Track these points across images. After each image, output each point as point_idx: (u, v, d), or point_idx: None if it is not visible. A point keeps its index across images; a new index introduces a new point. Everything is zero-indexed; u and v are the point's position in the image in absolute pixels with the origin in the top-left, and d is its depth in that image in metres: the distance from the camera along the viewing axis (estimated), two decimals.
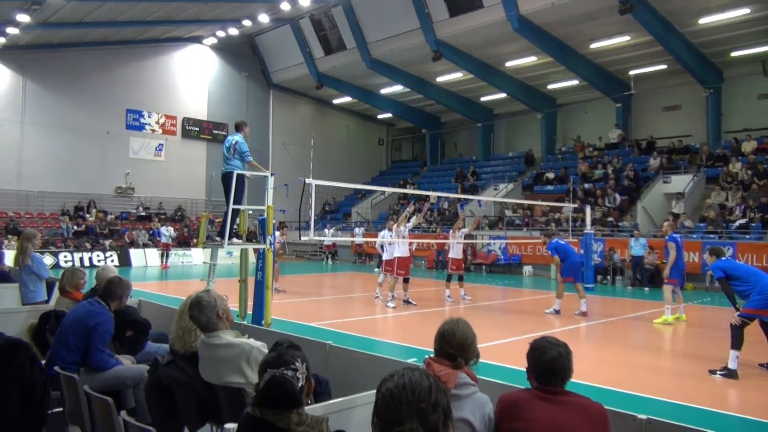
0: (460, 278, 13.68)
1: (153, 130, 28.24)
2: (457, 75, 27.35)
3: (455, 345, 2.72)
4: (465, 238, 14.47)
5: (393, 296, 12.31)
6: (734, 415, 5.62)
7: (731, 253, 16.26)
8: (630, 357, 8.19)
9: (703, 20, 20.24)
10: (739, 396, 6.36)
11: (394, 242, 12.67)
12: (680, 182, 21.49)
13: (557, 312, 11.69)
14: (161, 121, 28.48)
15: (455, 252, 13.51)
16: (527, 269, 21.28)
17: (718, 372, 6.90)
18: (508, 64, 25.83)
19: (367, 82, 30.38)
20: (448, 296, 13.28)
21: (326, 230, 26.11)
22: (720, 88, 24.34)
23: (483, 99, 30.72)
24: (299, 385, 1.92)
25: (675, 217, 19.45)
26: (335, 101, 34.12)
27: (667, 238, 11.31)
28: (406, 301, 12.58)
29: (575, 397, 2.54)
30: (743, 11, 19.36)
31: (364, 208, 31.15)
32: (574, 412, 2.47)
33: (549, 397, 2.52)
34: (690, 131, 25.02)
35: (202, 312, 3.38)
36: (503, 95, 28.66)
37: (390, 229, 13.18)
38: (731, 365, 6.84)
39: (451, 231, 14.08)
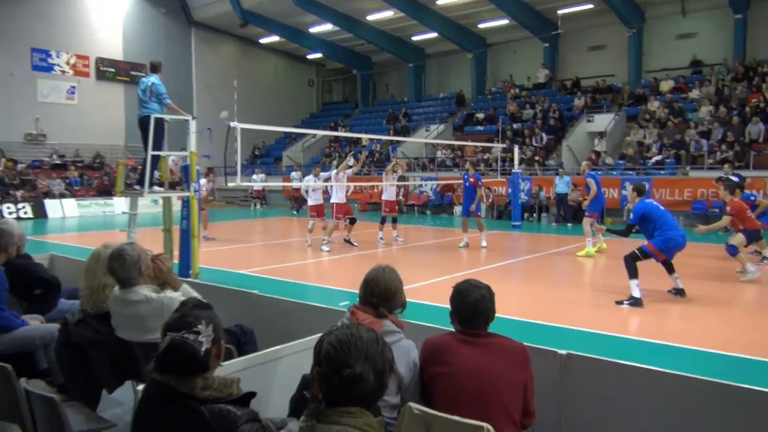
0: (394, 220, 13.79)
1: (63, 72, 26.19)
2: (388, 13, 26.67)
3: (379, 294, 2.69)
4: (398, 180, 14.53)
5: (345, 240, 12.70)
6: (642, 340, 5.99)
7: (647, 188, 17.15)
8: (553, 291, 8.56)
9: None
10: (642, 321, 6.79)
11: (319, 188, 12.86)
12: (603, 121, 22.19)
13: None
14: (72, 61, 26.41)
15: (388, 194, 13.55)
16: (458, 209, 21.66)
17: (624, 302, 7.33)
18: (439, 1, 25.38)
19: (295, 20, 29.16)
20: (381, 238, 13.37)
21: (255, 175, 25.45)
22: (642, 28, 24.96)
23: (414, 38, 30.25)
24: (202, 349, 1.80)
25: (597, 155, 20.20)
26: (262, 41, 32.65)
27: (585, 175, 12.01)
28: (347, 241, 12.78)
29: (498, 338, 2.56)
30: None
31: (295, 152, 30.51)
32: (497, 353, 2.49)
33: (472, 340, 2.53)
34: (613, 71, 25.69)
35: (123, 266, 3.17)
36: (434, 34, 28.30)
37: (316, 175, 13.16)
38: (635, 294, 7.31)
39: (384, 173, 14.05)
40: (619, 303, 7.35)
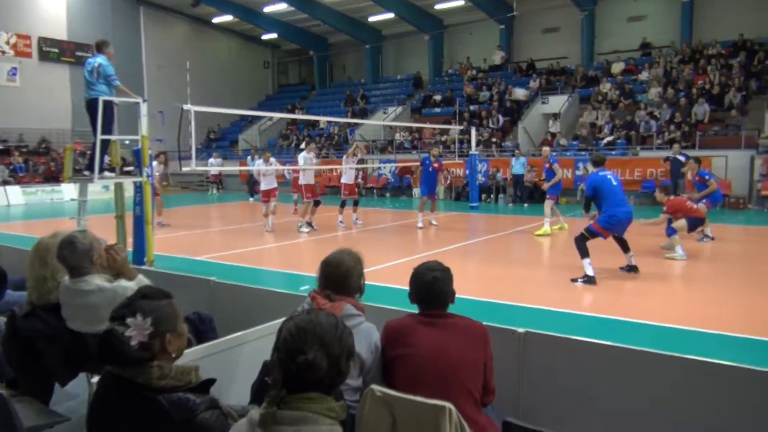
0: (355, 203, 13.80)
1: (3, 52, 24.94)
2: None
3: (339, 277, 2.68)
4: (358, 163, 14.49)
5: (307, 223, 12.65)
6: (597, 316, 6.18)
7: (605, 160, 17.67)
8: (511, 270, 8.73)
9: None
10: (596, 298, 7.00)
11: (271, 172, 12.85)
12: (557, 103, 22.59)
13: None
14: (12, 41, 25.16)
15: (347, 177, 13.50)
16: (416, 191, 21.77)
17: (579, 280, 7.52)
18: None
19: None
20: (341, 222, 13.35)
21: (212, 159, 24.94)
22: (594, 11, 25.41)
23: (371, 19, 30.00)
24: (133, 342, 1.75)
25: (552, 137, 20.58)
26: (215, 20, 31.77)
27: (550, 159, 12.35)
28: (309, 224, 12.73)
29: (457, 318, 2.59)
30: None
31: (251, 135, 30.01)
32: (457, 333, 2.52)
33: (432, 321, 2.56)
34: (567, 53, 26.11)
35: (74, 254, 3.04)
36: (391, 15, 28.11)
37: (266, 160, 13.05)
38: (588, 272, 7.51)
39: (344, 156, 13.99)
40: (574, 281, 7.53)
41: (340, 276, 2.68)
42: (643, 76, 22.37)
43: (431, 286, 2.59)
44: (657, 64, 22.45)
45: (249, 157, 20.84)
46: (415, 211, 13.97)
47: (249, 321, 3.31)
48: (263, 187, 12.98)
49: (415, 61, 30.82)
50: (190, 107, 8.96)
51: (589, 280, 7.44)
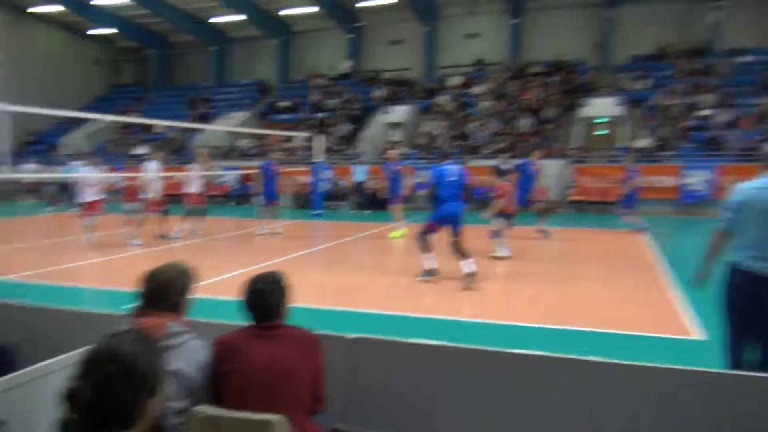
0: (199, 213, 13.18)
1: None
2: None
3: (161, 293, 2.51)
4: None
5: (161, 235, 12.08)
6: (435, 318, 6.38)
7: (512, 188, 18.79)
8: (354, 276, 8.77)
9: None
10: (437, 300, 7.27)
11: (97, 182, 11.84)
12: (399, 112, 23.48)
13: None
14: None
15: (194, 186, 12.84)
16: (258, 199, 21.33)
17: (420, 276, 7.90)
18: None
19: None
20: (177, 232, 12.64)
21: (28, 165, 22.33)
22: (435, 26, 26.81)
23: (216, 20, 28.97)
24: None
25: (394, 145, 21.29)
26: (34, 9, 28.58)
27: (399, 163, 12.91)
28: (162, 236, 12.12)
29: (290, 329, 2.58)
30: None
31: (76, 139, 27.44)
32: (289, 344, 2.52)
33: (263, 333, 2.53)
34: (410, 65, 27.26)
35: None
36: (237, 18, 27.36)
37: (95, 165, 12.05)
38: (426, 266, 7.90)
39: (192, 165, 13.35)
40: (419, 276, 7.91)
41: (163, 290, 2.51)
42: (477, 90, 24.03)
43: (262, 298, 2.56)
44: (488, 80, 24.24)
45: (70, 163, 18.95)
46: (256, 219, 13.62)
47: (58, 348, 2.92)
48: (87, 197, 11.81)
49: (262, 66, 30.31)
50: (4, 106, 7.89)
51: (429, 273, 7.80)
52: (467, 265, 7.59)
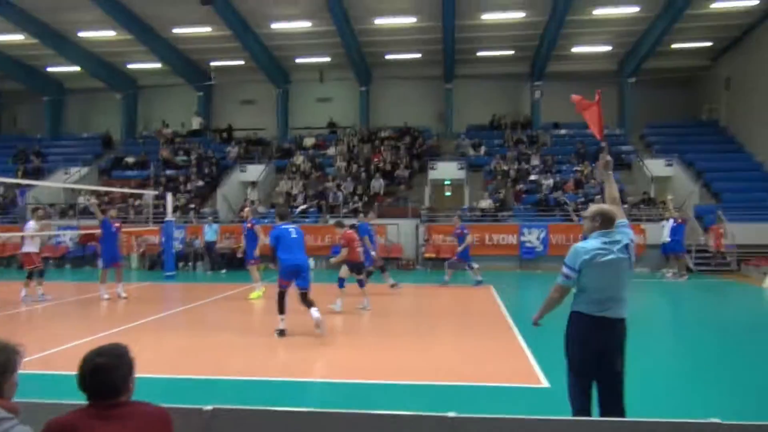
0: (41, 274, 12.19)
1: None
2: (17, 36, 23.24)
3: None
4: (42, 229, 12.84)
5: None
6: (289, 381, 6.39)
7: (291, 214, 18.89)
8: (208, 340, 8.46)
9: (274, 25, 22.38)
10: (293, 360, 7.30)
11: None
12: (255, 171, 23.44)
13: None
14: None
15: (32, 245, 11.97)
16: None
17: (276, 333, 8.24)
18: (82, 34, 23.31)
19: None
20: (25, 296, 11.58)
21: None
22: (288, 89, 27.51)
23: (51, 69, 27.06)
24: None
25: (251, 204, 21.11)
26: None
27: (252, 221, 12.91)
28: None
29: (137, 406, 2.40)
30: (305, 24, 22.19)
31: None
32: (137, 424, 2.34)
33: (106, 413, 2.31)
34: (264, 124, 27.50)
35: None
36: (76, 68, 25.79)
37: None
38: (279, 326, 8.32)
39: (30, 222, 12.28)
40: (275, 334, 8.21)
41: None
42: (331, 151, 24.84)
43: (102, 373, 2.34)
44: (342, 142, 25.22)
45: None
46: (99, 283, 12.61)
47: None
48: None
49: (105, 118, 28.63)
50: None
51: (281, 333, 8.21)
52: (315, 311, 8.20)
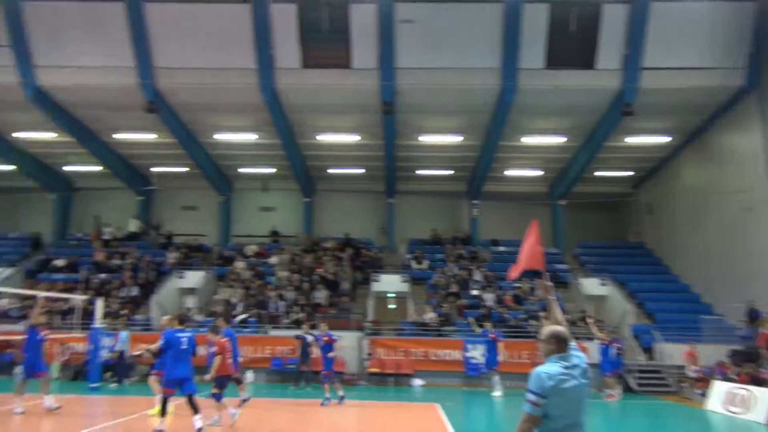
0: None
1: None
2: None
3: None
4: None
5: None
6: None
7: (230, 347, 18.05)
8: None
9: (218, 136, 22.84)
10: None
11: None
12: (194, 278, 22.80)
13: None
14: None
15: None
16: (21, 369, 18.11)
17: None
18: (18, 134, 22.86)
19: None
20: None
21: None
22: (231, 197, 27.63)
23: None
24: None
25: (187, 311, 20.34)
26: None
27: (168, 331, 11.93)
28: None
29: None
30: (251, 136, 22.81)
31: None
32: None
33: None
34: (205, 231, 27.18)
35: None
36: (8, 167, 25.04)
37: None
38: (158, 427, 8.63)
39: None
40: None
41: None
42: (273, 260, 24.64)
43: None
44: (284, 251, 25.13)
45: None
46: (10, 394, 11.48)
47: None
48: None
49: (35, 219, 27.43)
50: None
51: None
52: (198, 420, 8.52)
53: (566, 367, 3.72)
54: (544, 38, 18.43)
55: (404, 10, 17.98)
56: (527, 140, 22.60)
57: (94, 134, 22.89)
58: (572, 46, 18.80)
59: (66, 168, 26.32)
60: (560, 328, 3.96)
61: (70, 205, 27.82)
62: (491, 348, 16.36)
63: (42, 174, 25.95)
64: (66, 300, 20.13)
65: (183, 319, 9.30)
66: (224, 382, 10.07)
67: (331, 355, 13.55)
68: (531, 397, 3.64)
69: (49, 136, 22.72)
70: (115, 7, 18.08)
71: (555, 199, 26.75)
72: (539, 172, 26.21)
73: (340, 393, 13.27)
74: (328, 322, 19.83)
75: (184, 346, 8.79)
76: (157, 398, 10.97)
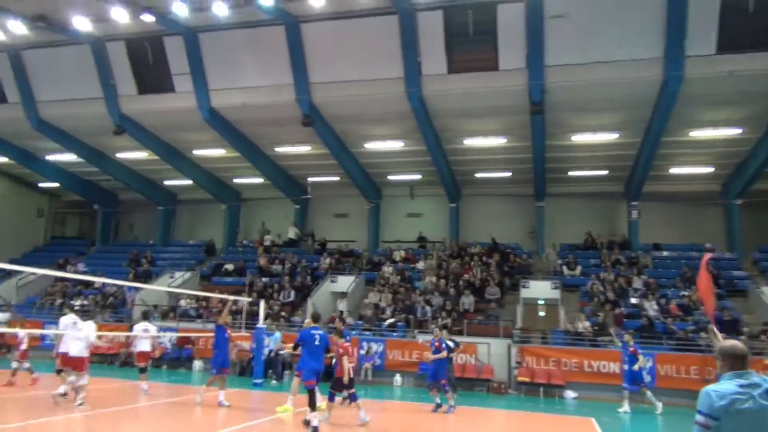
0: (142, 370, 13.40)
1: None
2: (141, 154, 26.02)
3: None
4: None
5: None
6: None
7: (381, 348, 18.56)
8: None
9: (368, 145, 23.72)
10: None
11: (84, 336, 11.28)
12: (345, 282, 23.80)
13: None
14: None
15: (143, 345, 13.75)
16: (198, 363, 20.28)
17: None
18: (196, 152, 25.73)
19: (32, 143, 26.54)
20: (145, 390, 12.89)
21: None
22: (380, 204, 28.44)
23: (167, 182, 29.73)
24: None
25: (340, 314, 21.27)
26: None
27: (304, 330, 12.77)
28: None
29: None
30: (398, 144, 23.36)
31: (6, 288, 26.01)
32: None
33: None
34: (355, 237, 28.25)
35: None
36: (188, 182, 28.19)
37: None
38: (313, 422, 8.99)
39: (142, 323, 14.13)
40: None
41: None
42: (420, 265, 24.91)
43: None
44: (431, 256, 25.30)
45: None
46: (194, 386, 12.79)
47: None
48: (76, 353, 11.07)
49: (209, 227, 30.57)
50: None
51: (314, 430, 8.84)
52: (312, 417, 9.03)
53: (742, 386, 3.32)
54: (716, 22, 16.64)
55: (554, 5, 17.28)
56: (696, 134, 20.53)
57: (257, 148, 24.98)
58: (748, 27, 16.73)
59: (235, 180, 28.98)
60: (736, 343, 3.61)
61: (238, 214, 30.56)
62: (632, 362, 14.82)
63: (215, 187, 28.81)
64: (235, 302, 22.09)
65: (317, 318, 10.12)
66: (341, 385, 10.25)
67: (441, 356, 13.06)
68: (700, 418, 3.35)
69: (220, 152, 25.30)
70: (275, 31, 19.57)
71: (729, 198, 23.89)
72: (710, 169, 23.65)
73: (451, 402, 12.72)
74: (476, 328, 19.70)
75: (317, 343, 9.43)
76: (289, 399, 11.55)
